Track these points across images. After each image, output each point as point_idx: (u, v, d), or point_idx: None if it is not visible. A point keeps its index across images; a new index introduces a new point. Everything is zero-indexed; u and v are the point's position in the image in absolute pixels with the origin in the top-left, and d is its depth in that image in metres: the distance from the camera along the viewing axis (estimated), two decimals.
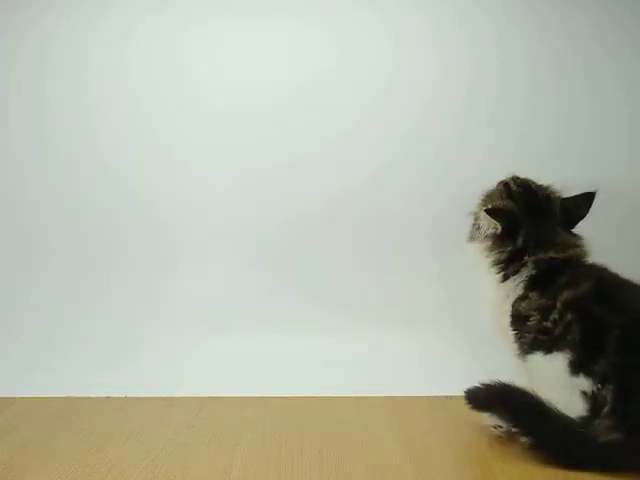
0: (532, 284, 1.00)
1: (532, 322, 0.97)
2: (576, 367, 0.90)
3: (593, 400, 0.88)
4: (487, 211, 1.03)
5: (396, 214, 1.40)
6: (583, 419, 0.89)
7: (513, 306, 1.02)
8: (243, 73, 1.39)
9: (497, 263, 1.05)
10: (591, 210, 1.04)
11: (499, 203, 1.05)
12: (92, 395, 1.16)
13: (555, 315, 0.94)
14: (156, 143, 1.41)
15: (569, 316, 0.92)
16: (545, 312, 0.96)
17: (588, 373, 0.89)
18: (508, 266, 1.03)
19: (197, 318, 1.38)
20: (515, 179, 1.08)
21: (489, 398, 0.99)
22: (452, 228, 1.34)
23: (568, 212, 1.04)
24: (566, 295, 0.94)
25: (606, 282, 0.96)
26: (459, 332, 1.32)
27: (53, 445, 0.97)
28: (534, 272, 1.00)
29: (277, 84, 1.39)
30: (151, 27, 1.38)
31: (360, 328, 1.35)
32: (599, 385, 0.88)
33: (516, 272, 1.02)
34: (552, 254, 1.00)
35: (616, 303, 0.92)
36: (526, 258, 1.01)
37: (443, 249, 1.38)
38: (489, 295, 1.06)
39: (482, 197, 1.10)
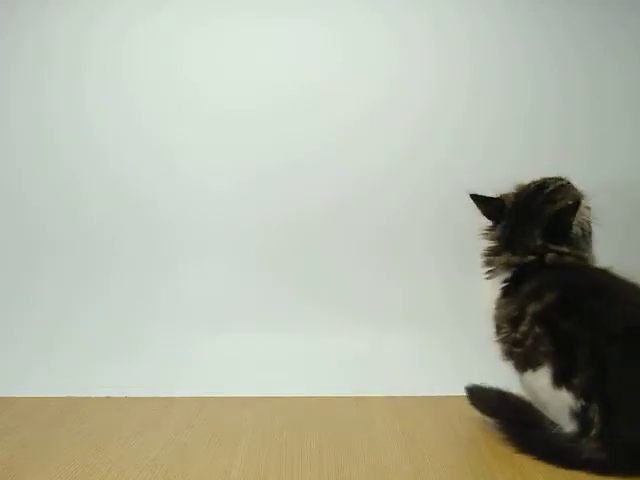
0: (507, 288, 0.99)
1: (503, 334, 0.97)
2: (559, 380, 0.88)
3: (581, 419, 0.86)
4: (471, 195, 1.04)
5: (396, 214, 1.40)
6: (573, 435, 0.88)
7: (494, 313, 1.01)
8: (243, 73, 1.39)
9: (482, 254, 1.05)
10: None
11: (505, 193, 1.05)
12: (92, 395, 1.16)
13: (524, 327, 0.92)
14: (156, 143, 1.41)
15: (537, 329, 0.90)
16: (514, 323, 0.94)
17: (569, 387, 0.87)
18: (488, 262, 1.03)
19: (197, 318, 1.38)
20: (545, 179, 1.03)
21: (486, 402, 1.00)
22: (452, 228, 1.35)
23: (560, 219, 0.97)
24: (533, 307, 0.91)
25: (576, 291, 0.91)
26: (459, 332, 1.32)
27: (53, 445, 0.97)
28: (509, 275, 0.99)
29: (277, 84, 1.39)
30: (151, 27, 1.38)
31: (360, 328, 1.35)
32: (583, 402, 0.85)
33: (494, 271, 1.01)
34: (514, 258, 0.98)
35: (585, 316, 0.87)
36: (492, 257, 1.01)
37: (443, 249, 1.39)
38: (484, 295, 1.05)
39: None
